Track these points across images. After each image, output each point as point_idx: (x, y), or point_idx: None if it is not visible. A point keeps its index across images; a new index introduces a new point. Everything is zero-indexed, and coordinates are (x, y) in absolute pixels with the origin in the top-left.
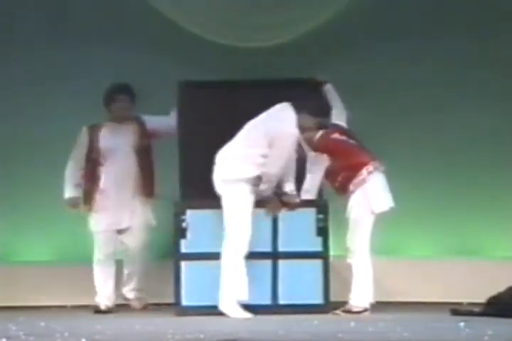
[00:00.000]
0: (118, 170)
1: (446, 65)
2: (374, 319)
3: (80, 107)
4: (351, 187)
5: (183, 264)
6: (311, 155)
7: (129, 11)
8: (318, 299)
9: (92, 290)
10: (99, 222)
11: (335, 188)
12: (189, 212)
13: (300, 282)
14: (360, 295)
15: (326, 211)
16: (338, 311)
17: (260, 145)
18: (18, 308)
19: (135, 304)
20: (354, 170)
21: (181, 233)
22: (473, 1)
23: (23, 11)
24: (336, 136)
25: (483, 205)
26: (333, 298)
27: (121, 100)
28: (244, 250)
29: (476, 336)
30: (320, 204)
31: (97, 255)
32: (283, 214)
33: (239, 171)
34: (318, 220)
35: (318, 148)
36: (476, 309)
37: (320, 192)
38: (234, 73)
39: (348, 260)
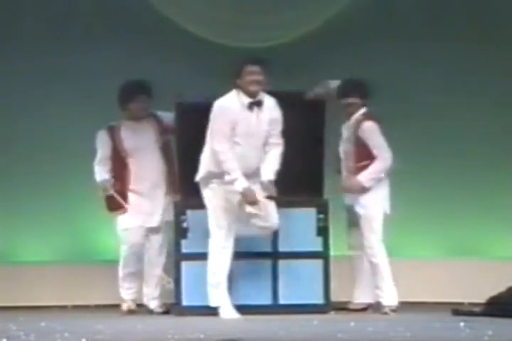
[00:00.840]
0: (146, 168)
1: (447, 69)
2: (374, 319)
3: (81, 110)
4: (370, 181)
5: (184, 264)
6: None
7: (134, 13)
8: (318, 299)
9: (92, 290)
10: (131, 220)
11: (350, 171)
12: (189, 213)
13: (300, 282)
14: (393, 292)
15: (327, 211)
16: (387, 310)
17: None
18: (18, 308)
19: (158, 310)
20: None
21: (182, 233)
22: (475, 4)
23: (29, 13)
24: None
25: (483, 206)
26: (333, 298)
27: (140, 99)
28: (223, 250)
29: (477, 336)
30: (320, 204)
31: (126, 253)
32: (281, 214)
33: (201, 170)
34: (318, 220)
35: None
36: (477, 309)
37: (320, 192)
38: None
39: (373, 259)
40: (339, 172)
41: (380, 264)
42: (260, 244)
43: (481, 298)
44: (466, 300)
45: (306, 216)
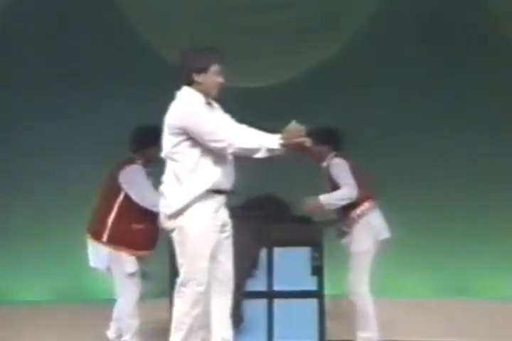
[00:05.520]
0: None
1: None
2: None
3: (83, 152)
4: (355, 216)
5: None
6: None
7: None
8: (313, 338)
9: (91, 329)
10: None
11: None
12: None
13: (295, 321)
14: (375, 332)
15: (321, 250)
16: None
17: None
18: None
19: None
20: (359, 200)
21: (176, 272)
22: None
23: (31, 49)
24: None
25: (481, 245)
26: (328, 338)
27: (158, 146)
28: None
29: None
30: (315, 243)
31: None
32: (275, 253)
33: (184, 196)
34: (313, 259)
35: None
36: None
37: (315, 231)
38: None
39: (353, 298)
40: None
41: (361, 304)
42: (255, 283)
43: (479, 338)
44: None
45: (301, 255)
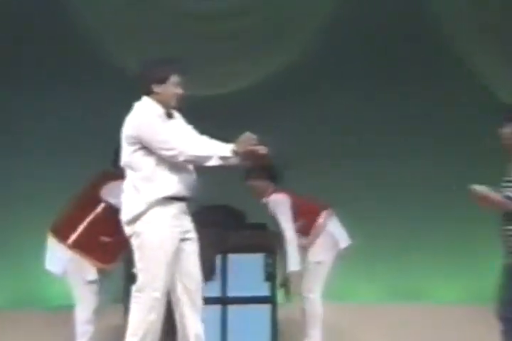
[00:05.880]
0: None
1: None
2: None
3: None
4: (314, 231)
5: None
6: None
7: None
8: None
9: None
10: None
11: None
12: None
13: (248, 327)
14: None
15: (274, 256)
16: None
17: None
18: None
19: None
20: (312, 215)
21: (132, 279)
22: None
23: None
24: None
25: (430, 251)
26: None
27: None
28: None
29: None
30: (268, 249)
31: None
32: (229, 259)
33: (141, 201)
34: (266, 265)
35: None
36: None
37: (269, 238)
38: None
39: (306, 306)
40: None
41: (313, 310)
42: (209, 288)
43: None
44: None
45: (254, 261)
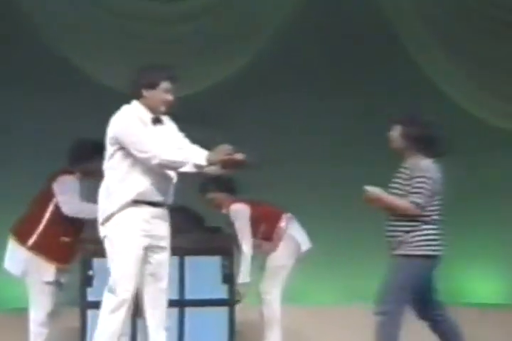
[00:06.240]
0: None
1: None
2: None
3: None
4: (276, 235)
5: (89, 312)
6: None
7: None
8: None
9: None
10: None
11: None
12: (96, 260)
13: (206, 330)
14: None
15: (231, 258)
16: None
17: None
18: None
19: None
20: (273, 220)
21: (87, 281)
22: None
23: None
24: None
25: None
26: None
27: (100, 160)
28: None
29: None
30: (225, 252)
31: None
32: (186, 261)
33: (114, 203)
34: (223, 267)
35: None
36: None
37: (225, 240)
38: None
39: (264, 308)
40: None
41: (271, 313)
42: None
43: None
44: None
45: (211, 263)
